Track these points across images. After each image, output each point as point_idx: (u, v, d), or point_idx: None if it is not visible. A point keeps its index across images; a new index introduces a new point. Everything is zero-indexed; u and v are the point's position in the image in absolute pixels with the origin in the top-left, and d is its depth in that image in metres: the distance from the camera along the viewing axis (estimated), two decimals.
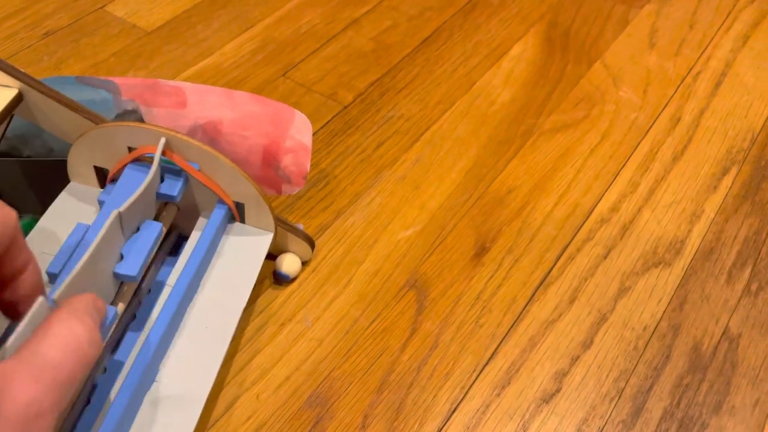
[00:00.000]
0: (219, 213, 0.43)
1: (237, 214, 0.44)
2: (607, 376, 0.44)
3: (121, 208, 0.35)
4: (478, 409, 0.43)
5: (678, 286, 0.49)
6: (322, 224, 0.53)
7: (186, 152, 0.40)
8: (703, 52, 0.69)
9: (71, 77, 0.45)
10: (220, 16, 0.72)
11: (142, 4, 0.73)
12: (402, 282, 0.49)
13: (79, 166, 0.42)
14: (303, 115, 0.47)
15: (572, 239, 0.52)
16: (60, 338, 0.25)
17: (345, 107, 0.62)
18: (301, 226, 0.48)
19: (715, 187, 0.56)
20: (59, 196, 0.42)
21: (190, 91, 0.45)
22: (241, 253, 0.44)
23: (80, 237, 0.38)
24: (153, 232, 0.38)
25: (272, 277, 0.48)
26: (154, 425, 0.35)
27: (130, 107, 0.43)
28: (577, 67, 0.67)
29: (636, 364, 0.45)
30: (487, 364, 0.45)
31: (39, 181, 0.45)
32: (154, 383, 0.37)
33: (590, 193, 0.55)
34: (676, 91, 0.65)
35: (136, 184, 0.39)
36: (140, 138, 0.40)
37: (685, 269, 0.50)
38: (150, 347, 0.36)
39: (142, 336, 0.37)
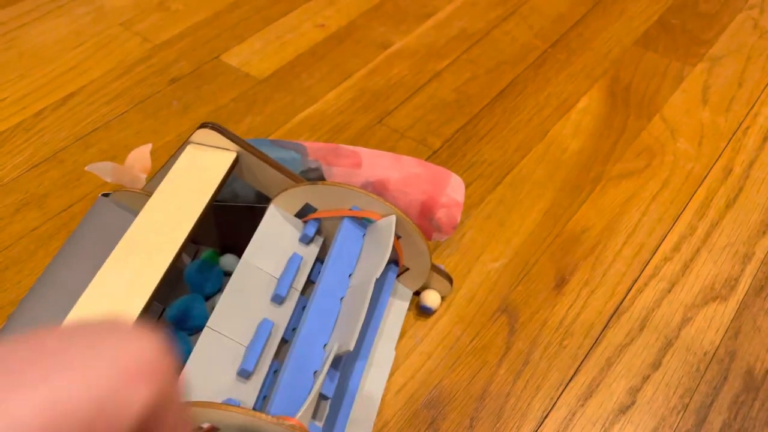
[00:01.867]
0: (393, 273, 0.52)
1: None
2: (674, 392, 0.53)
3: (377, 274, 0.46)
4: (565, 417, 0.51)
5: (733, 318, 0.57)
6: None
7: (403, 226, 0.50)
8: (752, 108, 0.77)
9: (266, 140, 0.54)
10: (321, 67, 0.82)
11: (253, 54, 0.84)
12: (494, 307, 0.58)
13: (289, 203, 0.51)
14: (458, 177, 0.55)
15: (640, 275, 0.60)
16: None
17: (434, 152, 0.72)
18: (442, 267, 0.57)
19: (764, 232, 0.64)
20: (265, 218, 0.50)
21: (365, 155, 0.54)
22: (400, 293, 0.55)
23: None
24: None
25: (417, 309, 0.57)
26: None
27: (313, 166, 0.53)
28: (637, 120, 0.76)
29: (698, 384, 0.53)
30: (571, 379, 0.53)
31: (227, 222, 0.54)
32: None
33: (654, 235, 0.64)
34: (727, 144, 0.73)
35: (354, 238, 0.50)
36: (367, 203, 0.49)
37: (738, 303, 0.58)
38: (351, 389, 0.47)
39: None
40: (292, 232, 0.51)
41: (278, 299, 0.47)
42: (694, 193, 0.68)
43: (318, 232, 0.52)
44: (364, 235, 0.51)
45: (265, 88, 0.79)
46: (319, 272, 0.51)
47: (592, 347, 0.55)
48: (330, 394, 0.44)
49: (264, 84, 0.80)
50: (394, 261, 0.53)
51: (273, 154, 0.52)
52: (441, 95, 0.78)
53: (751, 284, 0.60)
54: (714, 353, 0.55)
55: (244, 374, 0.43)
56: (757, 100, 0.78)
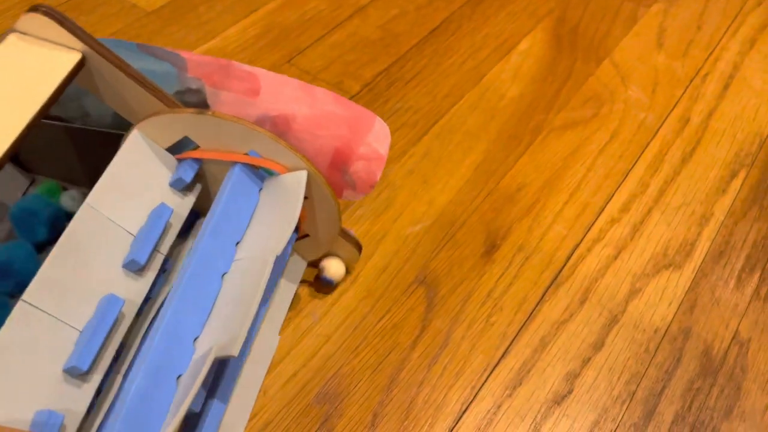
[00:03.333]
0: (288, 247, 0.41)
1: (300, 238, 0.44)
2: (619, 378, 0.44)
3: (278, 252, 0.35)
4: (489, 410, 0.42)
5: (688, 289, 0.49)
6: None
7: (314, 187, 0.40)
8: (711, 53, 0.69)
9: (133, 43, 0.41)
10: None
11: None
12: (411, 278, 0.48)
13: (161, 132, 0.39)
14: (384, 123, 0.44)
15: (582, 239, 0.52)
16: None
17: (352, 97, 0.61)
18: (351, 232, 0.46)
19: (724, 190, 0.56)
20: (123, 148, 0.39)
21: (265, 80, 0.42)
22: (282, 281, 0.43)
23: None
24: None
25: (315, 282, 0.47)
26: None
27: (194, 86, 0.41)
28: (585, 64, 0.66)
29: (647, 367, 0.45)
30: (498, 363, 0.44)
31: (74, 148, 0.42)
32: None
33: (600, 193, 0.55)
34: (684, 92, 0.64)
35: (247, 193, 0.38)
36: (270, 150, 0.38)
37: (695, 272, 0.50)
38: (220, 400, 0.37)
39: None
40: (160, 173, 0.39)
41: (134, 266, 0.35)
42: (647, 145, 0.59)
43: (197, 177, 0.40)
44: (260, 190, 0.40)
45: (154, 21, 0.66)
46: (196, 234, 0.40)
47: (524, 324, 0.46)
48: (197, 409, 0.34)
49: (153, 16, 0.67)
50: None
51: (139, 64, 0.39)
52: (363, 33, 0.67)
53: (709, 249, 0.52)
54: (666, 331, 0.47)
55: (75, 373, 0.32)
56: (717, 44, 0.69)
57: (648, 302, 0.48)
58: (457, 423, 0.41)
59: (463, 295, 0.47)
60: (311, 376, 0.43)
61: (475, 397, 0.43)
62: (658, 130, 0.61)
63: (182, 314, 0.34)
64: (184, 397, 0.30)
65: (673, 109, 0.63)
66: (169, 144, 0.40)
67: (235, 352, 0.31)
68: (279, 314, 0.42)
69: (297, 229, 0.42)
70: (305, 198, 0.40)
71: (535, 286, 0.48)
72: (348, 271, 0.47)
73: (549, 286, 0.48)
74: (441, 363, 0.44)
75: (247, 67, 0.43)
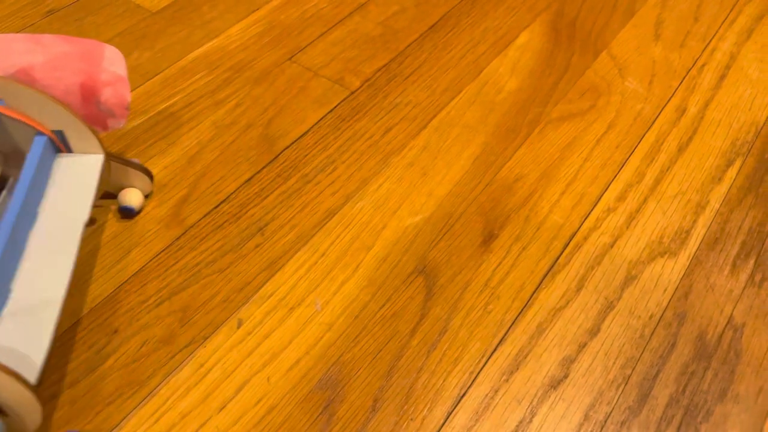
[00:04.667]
0: (39, 142, 0.44)
1: (61, 144, 0.45)
2: (614, 363, 0.45)
3: None
4: (486, 394, 0.43)
5: (683, 276, 0.50)
6: (330, 209, 0.53)
7: None
8: (708, 44, 0.69)
9: None
10: None
11: None
12: (411, 268, 0.49)
13: None
14: (113, 47, 0.47)
15: (579, 227, 0.52)
16: None
17: (352, 92, 0.62)
18: (136, 161, 0.50)
19: (719, 179, 0.57)
20: None
21: None
22: (75, 176, 0.45)
23: None
24: None
25: (117, 214, 0.50)
26: (16, 331, 0.37)
27: None
28: (583, 57, 0.67)
29: (642, 352, 0.46)
30: (495, 349, 0.45)
31: None
32: (10, 299, 0.38)
33: (597, 183, 0.56)
34: (681, 83, 0.65)
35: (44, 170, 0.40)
36: (8, 93, 0.41)
37: (690, 259, 0.51)
38: None
39: None
40: None
41: None
42: (643, 136, 0.60)
43: None
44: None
45: (159, 21, 0.68)
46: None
47: (521, 312, 0.47)
48: None
49: (157, 16, 0.68)
50: (38, 132, 0.44)
51: None
52: (364, 30, 0.69)
53: (704, 237, 0.52)
54: (661, 316, 0.48)
55: None
56: (714, 36, 0.70)
57: (643, 289, 0.49)
58: (455, 407, 0.42)
59: (461, 284, 0.49)
60: (313, 363, 0.44)
61: (473, 382, 0.44)
62: (654, 120, 0.61)
63: None
64: None
65: (669, 100, 0.63)
66: None
67: None
68: (77, 200, 0.43)
69: (42, 132, 0.44)
70: (2, 102, 0.42)
71: (532, 274, 0.49)
72: (146, 197, 0.51)
73: (546, 274, 0.49)
74: (440, 350, 0.45)
75: None
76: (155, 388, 0.42)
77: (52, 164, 0.44)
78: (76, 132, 0.44)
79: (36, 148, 0.43)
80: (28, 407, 0.35)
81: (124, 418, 0.40)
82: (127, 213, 0.49)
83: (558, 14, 0.72)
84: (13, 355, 0.35)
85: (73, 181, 0.44)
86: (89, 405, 0.41)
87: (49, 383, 0.42)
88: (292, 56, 0.65)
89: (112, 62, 0.46)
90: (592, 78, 0.65)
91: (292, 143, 0.57)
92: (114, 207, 0.51)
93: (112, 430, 0.40)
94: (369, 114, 0.60)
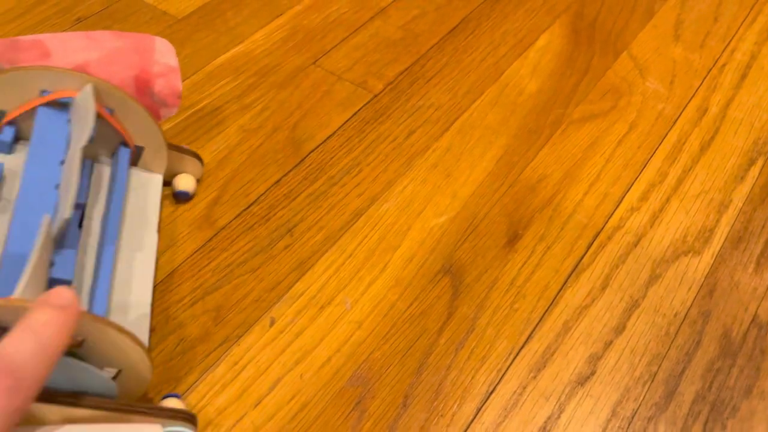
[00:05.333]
0: (125, 155, 0.46)
1: (136, 157, 0.48)
2: (640, 360, 0.46)
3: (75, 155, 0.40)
4: (515, 391, 0.44)
5: (707, 274, 0.50)
6: (356, 210, 0.54)
7: (109, 97, 0.44)
8: (728, 44, 0.70)
9: None
10: (250, 3, 0.72)
11: None
12: (437, 268, 0.50)
13: None
14: (163, 39, 0.49)
15: (603, 227, 0.53)
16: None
17: (375, 96, 0.63)
18: (185, 147, 0.52)
19: (742, 178, 0.57)
20: None
21: (50, 41, 0.46)
22: (141, 189, 0.48)
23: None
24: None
25: (173, 198, 0.52)
26: (122, 319, 0.40)
27: None
28: (603, 58, 0.68)
29: (668, 349, 0.46)
30: (522, 347, 0.46)
31: None
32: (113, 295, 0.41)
33: (619, 183, 0.56)
34: (702, 83, 0.65)
35: (57, 127, 0.43)
36: (55, 82, 0.43)
37: (714, 257, 0.51)
38: (102, 272, 0.41)
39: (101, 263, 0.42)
40: None
41: None
42: (665, 136, 0.60)
43: (20, 138, 0.45)
44: (69, 120, 0.44)
45: (185, 28, 0.69)
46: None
47: (547, 310, 0.48)
48: (68, 276, 0.38)
49: (183, 23, 0.70)
50: (122, 142, 0.47)
51: None
52: (385, 34, 0.70)
53: (728, 235, 0.53)
54: (686, 314, 0.48)
55: None
56: (734, 35, 0.70)
57: (668, 287, 0.50)
58: (484, 403, 0.43)
59: (487, 283, 0.49)
60: (344, 361, 0.45)
61: (501, 379, 0.45)
62: (676, 120, 0.62)
63: (28, 215, 0.39)
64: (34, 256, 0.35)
65: (691, 100, 0.64)
66: None
67: (66, 214, 0.37)
68: (151, 217, 0.47)
69: (127, 144, 0.47)
70: (112, 111, 0.45)
71: (557, 273, 0.50)
72: (198, 181, 0.54)
73: (570, 274, 0.50)
74: (467, 348, 0.46)
75: (30, 36, 0.47)
76: (192, 385, 0.43)
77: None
78: (154, 149, 0.48)
79: (123, 161, 0.46)
80: (144, 365, 0.37)
81: None
82: (183, 197, 0.52)
83: (577, 16, 0.72)
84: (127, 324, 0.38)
85: (142, 193, 0.48)
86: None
87: None
88: (316, 60, 0.66)
89: (163, 54, 0.48)
90: (613, 79, 0.66)
91: (318, 146, 0.59)
92: (169, 192, 0.53)
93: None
94: (392, 117, 0.61)
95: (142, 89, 0.47)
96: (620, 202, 0.55)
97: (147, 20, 0.70)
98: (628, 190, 0.56)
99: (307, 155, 0.58)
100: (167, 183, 0.52)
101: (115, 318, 0.40)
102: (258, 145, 0.58)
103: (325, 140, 0.59)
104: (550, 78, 0.65)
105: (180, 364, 0.44)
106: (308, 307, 0.48)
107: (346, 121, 0.61)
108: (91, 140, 0.41)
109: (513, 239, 0.52)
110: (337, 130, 0.60)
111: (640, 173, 0.57)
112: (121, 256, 0.44)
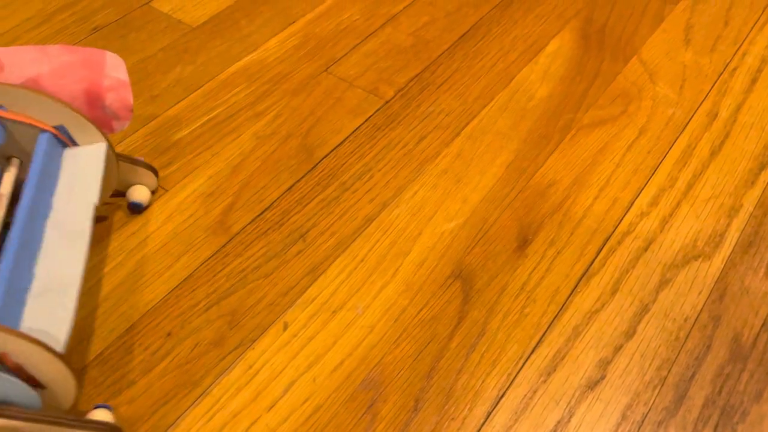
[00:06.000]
0: (42, 138, 0.47)
1: (65, 138, 0.48)
2: (650, 364, 0.46)
3: None
4: (525, 395, 0.44)
5: (718, 279, 0.51)
6: (368, 216, 0.55)
7: None
8: (739, 48, 0.70)
9: None
10: (263, 12, 0.73)
11: (187, 0, 0.75)
12: (447, 272, 0.51)
13: None
14: (113, 54, 0.50)
15: (613, 232, 0.53)
16: None
17: (387, 102, 0.64)
18: (141, 159, 0.53)
19: (752, 182, 0.57)
20: None
21: (4, 54, 0.48)
22: (82, 165, 0.48)
23: None
24: None
25: (127, 209, 0.53)
26: (42, 310, 0.39)
27: None
28: (613, 63, 0.68)
29: (678, 354, 0.46)
30: (533, 351, 0.47)
31: None
32: (34, 282, 0.40)
33: (629, 188, 0.57)
34: (712, 87, 0.65)
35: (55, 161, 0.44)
36: (10, 99, 0.44)
37: (724, 262, 0.52)
38: (19, 254, 0.40)
39: (8, 249, 0.40)
40: None
41: None
42: (675, 140, 0.60)
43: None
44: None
45: (199, 36, 0.70)
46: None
47: (557, 315, 0.48)
48: None
49: (198, 31, 0.71)
50: (40, 130, 0.47)
51: None
52: (395, 41, 0.70)
53: (738, 240, 0.53)
54: (696, 319, 0.48)
55: None
56: (745, 39, 0.70)
57: (678, 292, 0.50)
58: (495, 407, 0.44)
59: (497, 288, 0.50)
60: (356, 365, 0.46)
61: (511, 383, 0.45)
62: (686, 125, 0.62)
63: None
64: None
65: (701, 105, 0.64)
66: None
67: None
68: (86, 189, 0.46)
69: (43, 129, 0.46)
70: (3, 107, 0.46)
71: (567, 278, 0.51)
72: (153, 193, 0.55)
73: (581, 278, 0.51)
74: (478, 352, 0.46)
75: None
76: (208, 388, 0.44)
77: (60, 158, 0.47)
78: (77, 126, 0.48)
79: (41, 144, 0.46)
80: (59, 375, 0.37)
81: (180, 416, 0.43)
82: (136, 208, 0.53)
83: (587, 21, 0.73)
84: (40, 330, 0.38)
85: (81, 170, 0.47)
86: (146, 404, 0.43)
87: (109, 382, 0.44)
88: (328, 68, 0.67)
89: (114, 68, 0.49)
90: (623, 84, 0.66)
91: (330, 152, 0.59)
92: (123, 204, 0.54)
93: (168, 428, 0.42)
94: (403, 123, 0.62)
95: (93, 102, 0.48)
96: (630, 207, 0.55)
97: (162, 29, 0.71)
98: (638, 195, 0.56)
99: (320, 161, 0.59)
100: (122, 194, 0.54)
101: (35, 302, 0.39)
102: (272, 152, 0.59)
103: (337, 146, 0.60)
104: (560, 83, 0.66)
105: (195, 367, 0.45)
106: (321, 312, 0.48)
107: (358, 127, 0.62)
108: None
109: (523, 244, 0.53)
110: (348, 136, 0.61)
111: (650, 178, 0.57)
112: (50, 239, 0.43)
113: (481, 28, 0.72)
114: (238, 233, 0.53)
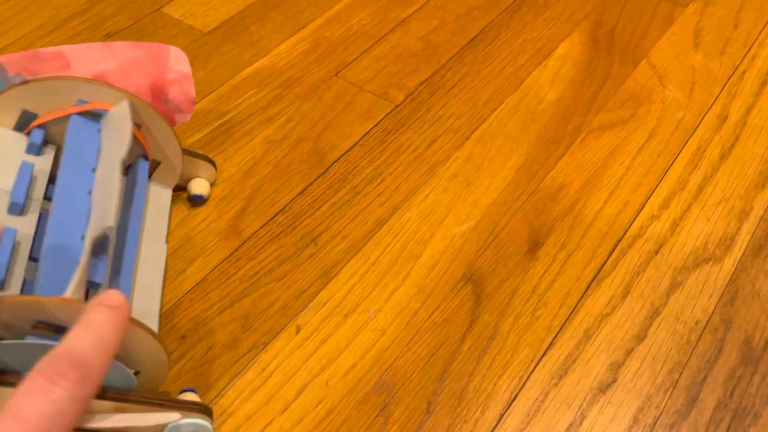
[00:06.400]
0: (144, 168, 0.48)
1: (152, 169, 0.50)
2: (662, 367, 0.46)
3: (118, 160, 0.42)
4: (537, 398, 0.45)
5: (729, 282, 0.51)
6: (378, 219, 0.55)
7: (141, 113, 0.46)
8: (749, 50, 0.70)
9: None
10: (273, 17, 0.74)
11: (197, 5, 0.76)
12: (459, 276, 0.51)
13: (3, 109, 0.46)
14: (177, 48, 0.51)
15: (623, 235, 0.54)
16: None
17: (397, 106, 0.64)
18: (200, 153, 0.54)
19: (763, 185, 0.57)
20: None
21: (71, 52, 0.48)
22: (153, 201, 0.50)
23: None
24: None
25: (188, 201, 0.54)
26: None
27: (18, 81, 0.46)
28: (622, 66, 0.68)
29: (689, 357, 0.47)
30: (544, 354, 0.47)
31: None
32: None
33: (640, 191, 0.57)
34: (722, 90, 0.66)
35: (89, 136, 0.45)
36: (93, 94, 0.45)
37: (735, 265, 0.52)
38: (125, 277, 0.43)
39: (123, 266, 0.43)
40: (15, 148, 0.45)
41: (16, 209, 0.41)
42: (685, 143, 0.61)
43: (49, 141, 0.47)
44: (99, 129, 0.46)
45: (210, 41, 0.71)
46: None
47: (568, 318, 0.49)
48: (102, 280, 0.39)
49: (209, 37, 0.72)
50: (142, 155, 0.48)
51: None
52: (405, 45, 0.71)
53: (749, 243, 0.53)
54: (707, 322, 0.49)
55: None
56: (755, 42, 0.70)
57: (689, 295, 0.50)
58: (507, 410, 0.44)
59: (508, 291, 0.50)
60: (368, 368, 0.46)
61: (523, 386, 0.45)
62: (696, 128, 0.62)
63: (65, 220, 0.40)
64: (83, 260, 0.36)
65: (711, 107, 0.64)
66: (14, 122, 0.46)
67: (110, 222, 0.39)
68: (160, 229, 0.49)
69: (147, 158, 0.49)
70: (139, 126, 0.47)
71: (578, 281, 0.51)
72: (212, 185, 0.55)
73: (591, 281, 0.51)
74: (490, 355, 0.47)
75: (50, 49, 0.49)
76: (221, 391, 0.44)
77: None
78: (171, 164, 0.50)
79: (142, 173, 0.48)
80: (158, 356, 0.39)
81: None
82: (197, 201, 0.54)
83: (596, 24, 0.73)
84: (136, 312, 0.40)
85: (154, 205, 0.49)
86: None
87: None
88: (338, 72, 0.68)
89: (177, 61, 0.50)
90: (633, 87, 0.66)
91: (341, 156, 0.60)
92: (184, 196, 0.55)
93: None
94: (413, 127, 0.63)
95: (158, 96, 0.49)
96: (641, 210, 0.55)
97: (174, 34, 0.72)
98: (648, 198, 0.56)
99: (331, 165, 0.59)
100: (183, 188, 0.54)
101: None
102: (283, 156, 0.60)
103: (347, 150, 0.60)
104: (569, 86, 0.66)
105: (210, 370, 0.46)
106: (333, 315, 0.49)
107: (368, 131, 0.62)
108: (128, 154, 0.43)
109: (534, 247, 0.53)
110: (359, 140, 0.61)
111: (661, 181, 0.57)
112: (135, 266, 0.45)
113: (491, 32, 0.72)
114: (250, 237, 0.54)
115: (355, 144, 0.61)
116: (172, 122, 0.51)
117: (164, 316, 0.48)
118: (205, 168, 0.54)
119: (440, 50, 0.70)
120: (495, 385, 0.45)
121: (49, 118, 0.45)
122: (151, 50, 0.49)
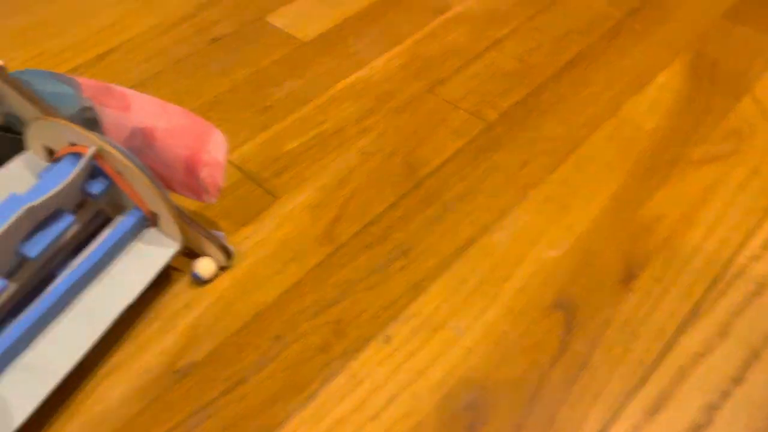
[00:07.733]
0: (131, 216, 0.49)
1: (153, 220, 0.50)
2: (760, 413, 0.45)
3: (36, 202, 0.42)
4: None
5: None
6: (469, 237, 0.55)
7: (115, 162, 0.47)
8: None
9: (49, 72, 0.51)
10: (370, 31, 0.76)
11: (299, 16, 0.78)
12: (549, 300, 0.51)
13: (33, 141, 0.49)
14: (221, 133, 0.51)
15: (722, 273, 0.52)
16: None
17: (490, 125, 0.65)
18: (222, 234, 0.53)
19: None
20: (13, 162, 0.49)
21: (134, 98, 0.50)
22: (145, 255, 0.49)
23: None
24: (63, 222, 0.45)
25: (191, 275, 0.53)
26: (11, 386, 0.40)
27: (88, 104, 0.49)
28: (724, 99, 0.66)
29: None
30: (636, 389, 0.46)
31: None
32: (28, 351, 0.42)
33: (741, 228, 0.55)
34: None
35: (67, 173, 0.46)
36: (81, 139, 0.47)
37: None
38: (28, 321, 0.42)
39: (27, 311, 0.43)
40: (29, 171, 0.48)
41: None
42: None
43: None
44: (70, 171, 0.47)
45: (309, 51, 0.73)
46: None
47: (662, 354, 0.48)
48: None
49: (308, 46, 0.74)
50: (137, 207, 0.49)
51: (51, 86, 0.49)
52: (500, 64, 0.71)
53: None
54: None
55: None
56: None
57: None
58: None
59: (600, 321, 0.50)
60: (456, 384, 0.46)
61: (613, 419, 0.45)
62: None
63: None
64: None
65: None
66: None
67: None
68: (136, 284, 0.47)
69: (140, 208, 0.49)
70: (119, 174, 0.47)
71: (673, 317, 0.50)
72: (222, 270, 0.53)
73: (688, 318, 0.50)
74: (580, 384, 0.46)
75: (119, 88, 0.51)
76: (314, 393, 0.45)
77: (137, 235, 0.50)
78: (165, 218, 0.49)
79: (127, 219, 0.49)
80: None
81: (287, 418, 0.44)
82: (196, 279, 0.52)
83: (698, 55, 0.71)
84: (2, 404, 0.39)
85: (143, 257, 0.49)
86: (256, 401, 0.45)
87: (223, 377, 0.46)
88: (432, 88, 0.69)
89: (216, 147, 0.51)
90: (734, 121, 0.64)
91: (433, 172, 0.61)
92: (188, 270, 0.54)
93: (276, 427, 0.44)
94: (506, 146, 0.63)
95: (191, 170, 0.50)
96: (741, 249, 0.54)
97: (275, 42, 0.75)
98: (750, 237, 0.55)
99: (423, 180, 0.60)
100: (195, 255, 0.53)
101: (8, 375, 0.41)
102: (376, 167, 0.61)
103: (440, 166, 0.61)
104: (668, 116, 0.65)
105: (302, 371, 0.47)
106: (422, 329, 0.49)
107: (461, 148, 0.63)
108: (58, 194, 0.45)
109: (628, 278, 0.52)
110: (451, 156, 0.62)
111: (763, 220, 0.56)
112: (68, 316, 0.44)
113: (588, 57, 0.71)
114: (343, 245, 0.55)
115: (447, 160, 0.62)
116: (199, 198, 0.51)
117: (260, 314, 0.50)
118: (215, 251, 0.52)
119: (535, 71, 0.70)
120: (586, 415, 0.45)
121: (58, 154, 0.48)
122: (198, 126, 0.51)
